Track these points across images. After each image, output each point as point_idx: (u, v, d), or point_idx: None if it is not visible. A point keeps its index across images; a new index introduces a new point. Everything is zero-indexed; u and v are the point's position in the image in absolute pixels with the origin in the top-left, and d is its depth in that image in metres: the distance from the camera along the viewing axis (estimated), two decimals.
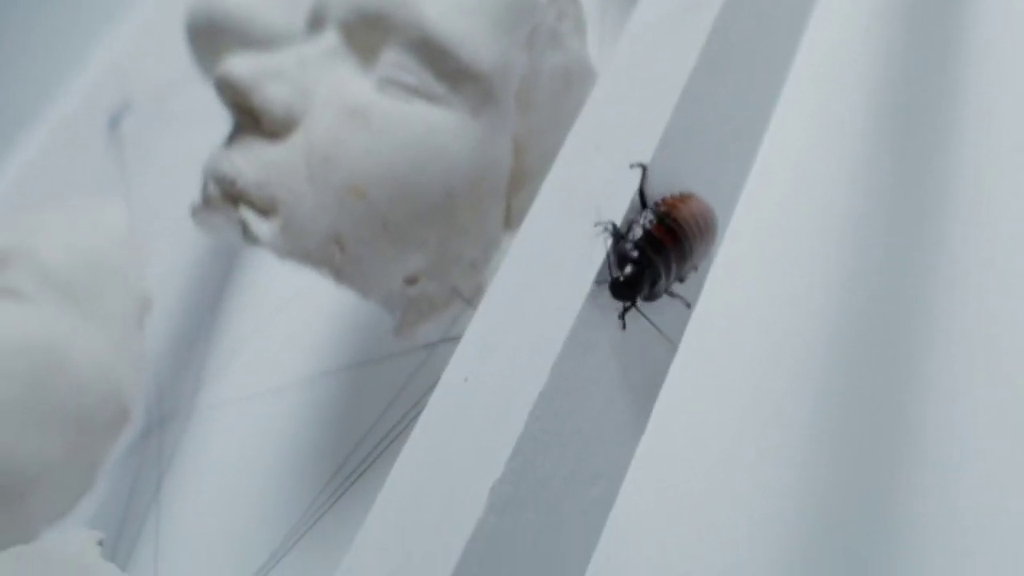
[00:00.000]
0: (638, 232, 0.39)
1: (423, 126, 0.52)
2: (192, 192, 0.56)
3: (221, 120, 0.56)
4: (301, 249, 0.53)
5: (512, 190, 0.54)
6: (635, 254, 0.39)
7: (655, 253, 0.39)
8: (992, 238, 0.57)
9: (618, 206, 0.40)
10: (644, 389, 0.40)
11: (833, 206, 0.61)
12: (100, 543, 0.41)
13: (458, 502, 0.35)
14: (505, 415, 0.36)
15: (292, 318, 0.66)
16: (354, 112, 0.52)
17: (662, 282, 0.39)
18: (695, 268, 0.41)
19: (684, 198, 0.40)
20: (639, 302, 0.39)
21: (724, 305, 0.54)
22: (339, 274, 0.53)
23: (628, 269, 0.38)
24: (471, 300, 0.52)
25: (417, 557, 0.34)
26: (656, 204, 0.40)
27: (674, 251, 0.39)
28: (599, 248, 0.39)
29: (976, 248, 0.58)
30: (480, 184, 0.53)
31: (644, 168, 0.40)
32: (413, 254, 0.52)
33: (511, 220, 0.54)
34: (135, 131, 0.77)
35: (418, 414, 0.38)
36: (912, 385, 0.55)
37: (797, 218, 0.62)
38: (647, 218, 0.40)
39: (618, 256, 0.39)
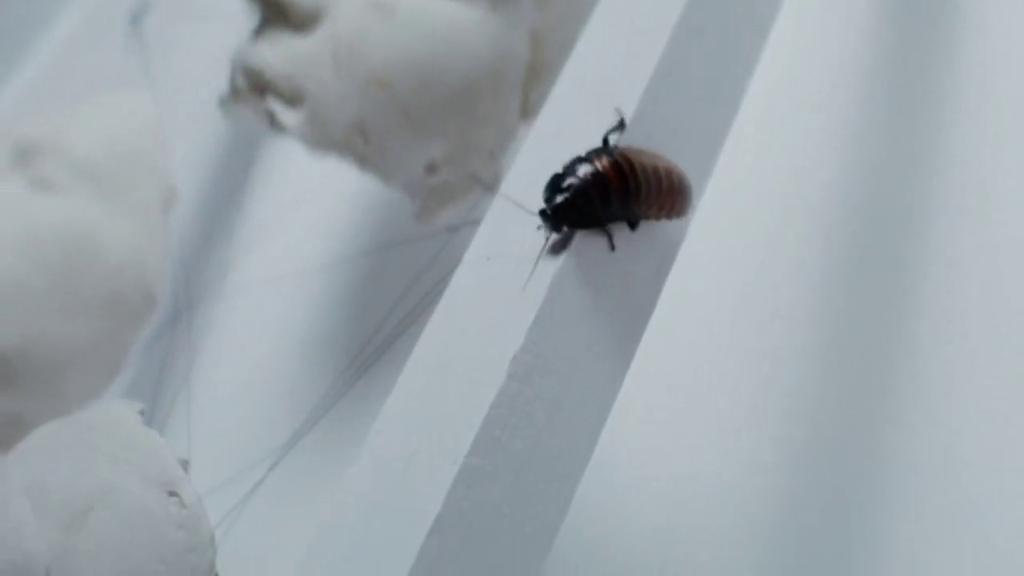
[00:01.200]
0: (585, 167, 0.39)
1: (445, 19, 0.53)
2: (213, 86, 0.57)
3: (239, 16, 0.58)
4: (327, 137, 0.54)
5: (529, 82, 0.55)
6: (569, 183, 0.39)
7: (593, 187, 0.39)
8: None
9: (632, 96, 0.42)
10: (660, 266, 0.42)
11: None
12: (141, 412, 0.43)
13: (480, 372, 0.37)
14: (529, 286, 0.38)
15: (315, 205, 0.68)
16: (379, 5, 0.54)
17: (593, 215, 0.39)
18: (654, 218, 0.41)
19: (653, 154, 0.40)
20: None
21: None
22: (363, 162, 0.55)
23: (557, 199, 0.39)
24: (490, 186, 0.54)
25: (441, 424, 0.36)
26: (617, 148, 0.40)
27: (617, 191, 0.39)
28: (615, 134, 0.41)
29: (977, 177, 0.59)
30: (499, 76, 0.54)
31: (621, 120, 0.41)
32: (434, 143, 0.54)
33: (528, 111, 0.55)
34: (156, 28, 0.78)
35: (441, 293, 0.40)
36: (908, 300, 0.57)
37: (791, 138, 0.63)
38: (600, 154, 0.39)
39: (554, 183, 0.39)
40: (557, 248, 0.39)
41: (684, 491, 0.56)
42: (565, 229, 0.39)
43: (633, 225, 0.40)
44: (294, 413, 0.57)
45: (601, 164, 0.39)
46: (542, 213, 0.39)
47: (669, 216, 0.40)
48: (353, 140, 0.54)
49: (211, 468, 0.44)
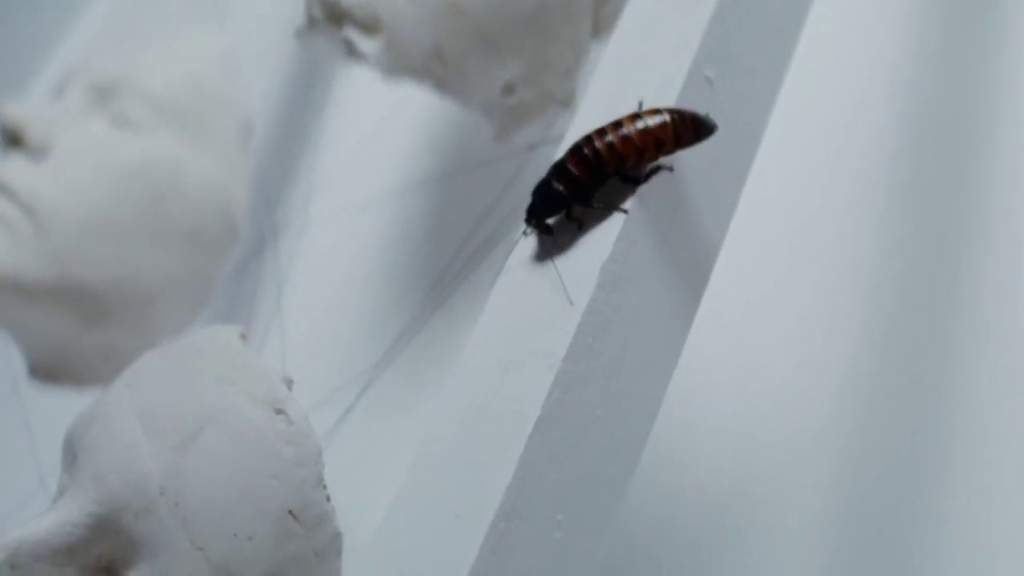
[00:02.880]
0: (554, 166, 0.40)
1: None
2: (285, 18, 0.58)
3: None
4: (404, 63, 0.55)
5: (600, 1, 0.56)
6: (544, 184, 0.40)
7: (563, 183, 0.40)
8: None
9: (701, 16, 0.43)
10: (732, 184, 0.43)
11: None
12: (242, 335, 0.44)
13: (572, 281, 0.38)
14: (614, 199, 0.39)
15: (393, 132, 0.69)
16: None
17: (574, 208, 0.40)
18: (657, 171, 0.41)
19: (635, 117, 0.40)
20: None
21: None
22: (441, 86, 0.56)
23: (533, 199, 0.40)
24: (566, 103, 0.55)
25: (536, 332, 0.38)
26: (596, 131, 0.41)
27: (586, 179, 0.40)
28: (688, 52, 0.42)
29: None
30: None
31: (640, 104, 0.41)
32: (509, 63, 0.55)
33: (600, 28, 0.56)
34: None
35: (524, 210, 0.41)
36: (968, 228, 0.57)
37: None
38: (568, 148, 0.41)
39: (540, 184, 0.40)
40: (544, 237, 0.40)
41: (762, 404, 0.57)
42: (549, 222, 0.40)
43: (636, 181, 0.40)
44: (384, 333, 0.58)
45: (564, 158, 0.40)
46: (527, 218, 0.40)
47: (679, 148, 0.41)
48: (431, 64, 0.55)
49: (307, 390, 0.45)
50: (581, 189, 0.39)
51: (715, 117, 0.41)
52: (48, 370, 0.67)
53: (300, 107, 0.75)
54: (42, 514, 0.40)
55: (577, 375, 0.37)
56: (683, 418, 0.56)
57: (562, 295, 0.38)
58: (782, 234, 0.60)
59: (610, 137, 0.39)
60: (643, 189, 0.40)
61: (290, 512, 0.39)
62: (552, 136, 0.50)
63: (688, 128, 0.40)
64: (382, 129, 0.68)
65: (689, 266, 0.42)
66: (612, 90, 0.43)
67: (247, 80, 0.69)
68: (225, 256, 0.67)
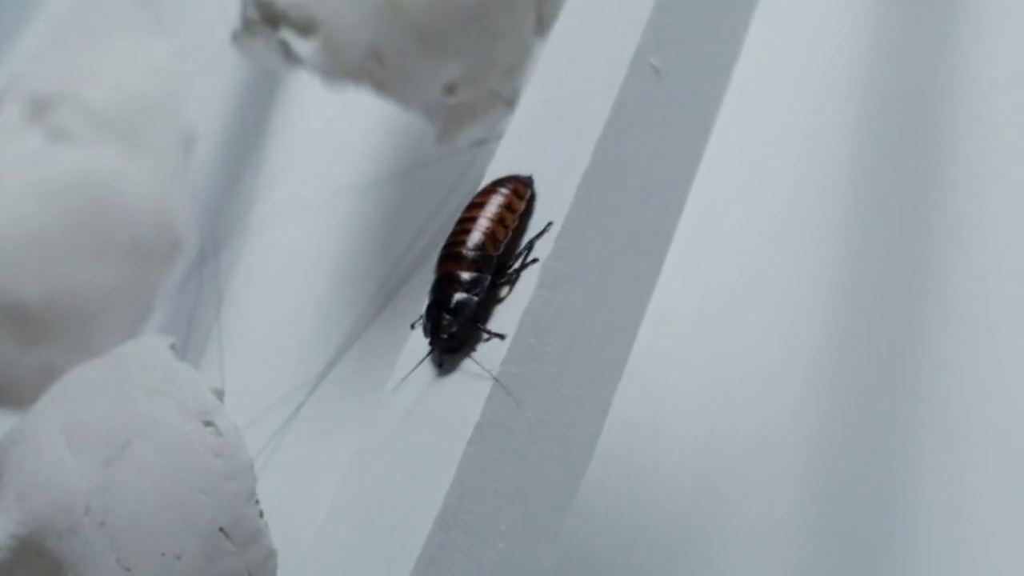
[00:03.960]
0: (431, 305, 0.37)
1: None
2: (225, 26, 0.57)
3: None
4: (342, 65, 0.54)
5: None
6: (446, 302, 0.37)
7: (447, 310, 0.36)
8: None
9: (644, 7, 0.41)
10: (686, 161, 0.42)
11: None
12: (172, 346, 0.42)
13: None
14: (551, 200, 0.38)
15: (335, 137, 0.68)
16: None
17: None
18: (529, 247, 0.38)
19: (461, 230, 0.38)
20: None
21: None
22: (380, 87, 0.55)
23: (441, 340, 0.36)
24: (511, 102, 0.54)
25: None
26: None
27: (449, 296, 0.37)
28: (631, 40, 0.41)
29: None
30: None
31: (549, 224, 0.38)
32: (451, 62, 0.54)
33: (543, 24, 0.55)
34: None
35: None
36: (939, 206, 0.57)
37: None
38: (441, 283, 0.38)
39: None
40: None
41: (722, 400, 0.56)
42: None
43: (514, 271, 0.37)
44: (326, 343, 0.57)
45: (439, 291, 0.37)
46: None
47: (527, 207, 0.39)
48: (369, 66, 0.54)
49: (246, 403, 0.43)
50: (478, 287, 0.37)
51: (662, 107, 0.39)
52: None
53: (244, 113, 0.74)
54: None
55: (519, 378, 0.35)
56: (637, 418, 0.55)
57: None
58: (739, 223, 0.59)
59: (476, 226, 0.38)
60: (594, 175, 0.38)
61: (221, 529, 0.37)
62: (497, 134, 0.49)
63: (522, 185, 0.38)
64: (326, 133, 0.68)
65: (638, 260, 0.40)
66: (554, 81, 0.42)
67: (189, 88, 0.68)
68: (167, 269, 0.66)
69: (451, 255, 0.38)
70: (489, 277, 0.37)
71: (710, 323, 0.57)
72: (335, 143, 0.68)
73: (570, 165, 0.38)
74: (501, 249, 0.38)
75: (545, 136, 0.40)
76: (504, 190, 0.38)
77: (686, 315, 0.56)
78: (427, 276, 0.39)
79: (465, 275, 0.37)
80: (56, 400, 0.42)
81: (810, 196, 0.59)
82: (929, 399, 0.53)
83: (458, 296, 0.36)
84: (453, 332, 0.36)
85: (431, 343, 0.37)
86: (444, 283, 0.37)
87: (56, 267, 0.63)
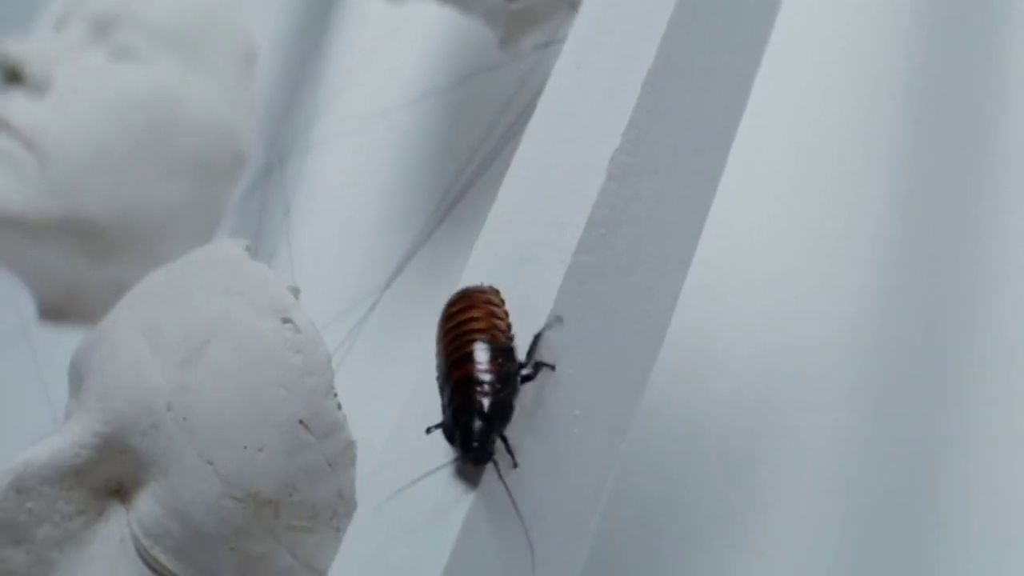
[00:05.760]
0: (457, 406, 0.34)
1: None
2: None
3: None
4: None
5: None
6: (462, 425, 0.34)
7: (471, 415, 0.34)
8: None
9: None
10: (747, 57, 0.42)
11: None
12: (247, 247, 0.43)
13: (580, 175, 0.37)
14: (618, 93, 0.38)
15: (397, 46, 0.68)
16: None
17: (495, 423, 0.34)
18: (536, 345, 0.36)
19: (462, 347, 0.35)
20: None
21: None
22: None
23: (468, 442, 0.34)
24: (574, 5, 0.54)
25: (546, 226, 0.37)
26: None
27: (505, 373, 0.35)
28: None
29: None
30: None
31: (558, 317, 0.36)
32: None
33: None
34: None
35: (534, 111, 0.40)
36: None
37: None
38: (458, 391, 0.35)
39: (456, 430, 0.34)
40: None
41: (778, 314, 0.56)
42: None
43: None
44: (393, 249, 0.58)
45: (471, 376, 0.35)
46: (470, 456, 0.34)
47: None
48: None
49: (318, 308, 0.44)
50: (508, 386, 0.34)
51: (725, 4, 0.40)
52: (58, 310, 0.67)
53: (306, 25, 0.75)
54: (47, 437, 0.40)
55: (590, 267, 0.36)
56: (699, 331, 0.56)
57: (574, 187, 0.37)
58: (794, 141, 0.59)
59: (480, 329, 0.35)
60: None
61: (301, 422, 0.38)
62: (561, 37, 0.49)
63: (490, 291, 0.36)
64: (387, 43, 0.68)
65: (701, 155, 0.41)
66: None
67: (250, 3, 0.68)
68: (232, 183, 0.67)
69: (466, 356, 0.35)
70: (518, 373, 0.35)
71: (765, 240, 0.57)
72: (396, 53, 0.68)
73: (635, 63, 0.39)
74: (513, 339, 0.35)
75: (610, 35, 0.40)
76: (472, 302, 0.36)
77: (743, 233, 0.57)
78: (491, 182, 0.39)
79: (489, 375, 0.34)
80: (134, 304, 0.42)
81: (864, 113, 0.58)
82: (973, 310, 0.53)
83: (490, 400, 0.34)
84: (486, 441, 0.34)
85: (461, 454, 0.34)
86: (467, 385, 0.34)
87: (124, 184, 0.64)
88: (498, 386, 0.34)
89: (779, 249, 0.57)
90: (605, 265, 0.36)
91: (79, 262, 0.65)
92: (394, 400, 0.38)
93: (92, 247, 0.64)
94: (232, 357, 0.39)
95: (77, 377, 0.42)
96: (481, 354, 0.34)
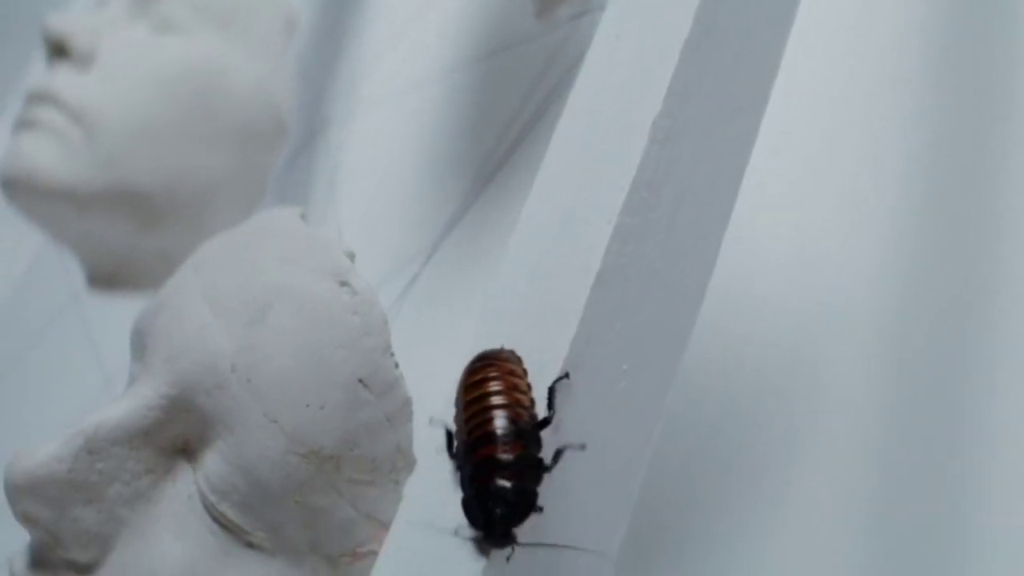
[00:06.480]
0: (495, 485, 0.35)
1: None
2: None
3: None
4: None
5: None
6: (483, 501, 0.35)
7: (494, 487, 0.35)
8: None
9: None
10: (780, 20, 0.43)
11: None
12: (301, 215, 0.44)
13: (624, 139, 0.39)
14: (657, 59, 0.40)
15: (435, 15, 0.69)
16: None
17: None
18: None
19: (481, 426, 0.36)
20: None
21: None
22: None
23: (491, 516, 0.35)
24: None
25: (591, 189, 0.38)
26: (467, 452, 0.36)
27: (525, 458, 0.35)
28: None
29: None
30: None
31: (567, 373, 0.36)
32: None
33: None
34: None
35: (573, 80, 0.42)
36: None
37: None
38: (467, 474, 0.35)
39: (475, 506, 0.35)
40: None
41: (812, 272, 0.57)
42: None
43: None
44: (438, 213, 0.59)
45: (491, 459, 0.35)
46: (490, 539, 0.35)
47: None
48: None
49: (367, 269, 0.45)
50: (531, 471, 0.35)
51: None
52: (107, 278, 0.68)
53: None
54: (117, 399, 0.41)
55: (634, 229, 0.37)
56: (735, 288, 0.57)
57: (618, 151, 0.38)
58: (825, 104, 0.60)
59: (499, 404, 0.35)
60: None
61: (360, 380, 0.40)
62: (594, 7, 0.50)
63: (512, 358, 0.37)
64: (423, 12, 0.68)
65: (738, 119, 0.42)
66: None
67: None
68: (276, 152, 0.68)
69: (488, 436, 0.35)
70: (541, 458, 0.35)
71: (799, 200, 0.58)
72: (435, 22, 0.69)
73: (673, 30, 0.40)
74: (537, 418, 0.35)
75: (647, 4, 0.42)
76: (494, 370, 0.36)
77: (777, 193, 0.58)
78: (532, 147, 0.40)
79: (512, 458, 0.34)
80: (195, 272, 0.44)
81: (894, 75, 0.59)
82: (1005, 265, 0.54)
83: (513, 487, 0.34)
84: (508, 529, 0.34)
85: (484, 538, 0.35)
86: (490, 469, 0.35)
87: (169, 154, 0.65)
88: (521, 472, 0.34)
89: (811, 208, 0.58)
90: (648, 226, 0.38)
91: (127, 232, 0.66)
92: (442, 360, 0.39)
93: (139, 217, 0.65)
94: (293, 320, 0.40)
95: (140, 343, 0.43)
96: (504, 434, 0.35)
